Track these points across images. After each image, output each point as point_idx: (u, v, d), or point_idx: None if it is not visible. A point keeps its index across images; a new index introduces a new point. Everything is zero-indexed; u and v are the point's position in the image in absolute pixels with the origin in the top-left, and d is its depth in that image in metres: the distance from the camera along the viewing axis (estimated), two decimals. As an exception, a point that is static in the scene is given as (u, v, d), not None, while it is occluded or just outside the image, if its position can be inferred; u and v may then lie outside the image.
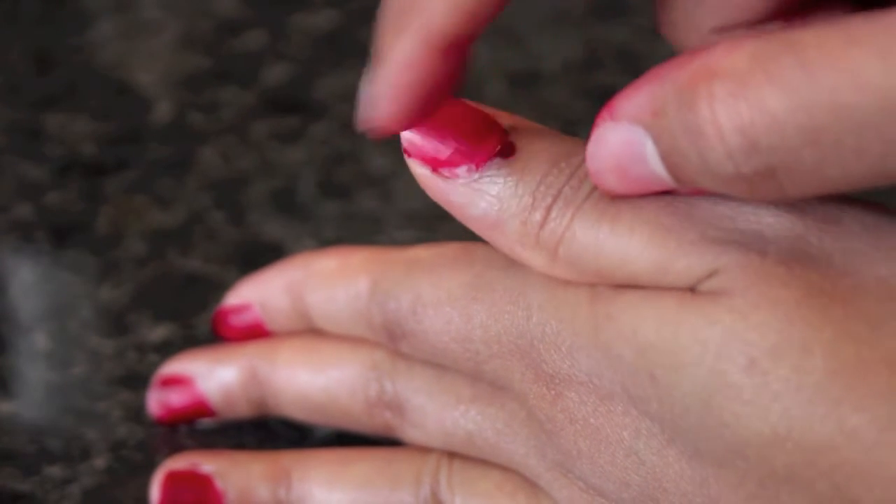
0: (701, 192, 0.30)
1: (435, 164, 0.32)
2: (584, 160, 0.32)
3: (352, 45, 0.57)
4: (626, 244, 0.31)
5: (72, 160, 0.51)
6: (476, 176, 0.32)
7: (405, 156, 0.33)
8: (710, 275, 0.30)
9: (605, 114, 0.30)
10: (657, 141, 0.29)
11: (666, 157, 0.29)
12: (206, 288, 0.46)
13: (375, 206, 0.49)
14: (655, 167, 0.30)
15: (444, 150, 0.32)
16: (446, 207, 0.33)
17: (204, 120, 0.53)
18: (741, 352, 0.29)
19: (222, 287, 0.45)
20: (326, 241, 0.47)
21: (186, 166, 0.51)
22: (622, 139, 0.30)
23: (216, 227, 0.48)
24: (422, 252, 0.37)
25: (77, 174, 0.50)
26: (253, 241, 0.48)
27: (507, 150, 0.32)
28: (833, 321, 0.28)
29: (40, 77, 0.55)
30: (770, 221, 0.30)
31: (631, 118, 0.30)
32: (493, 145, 0.32)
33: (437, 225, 0.48)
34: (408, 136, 0.32)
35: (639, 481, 0.31)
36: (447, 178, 0.32)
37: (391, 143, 0.52)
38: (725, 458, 0.29)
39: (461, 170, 0.32)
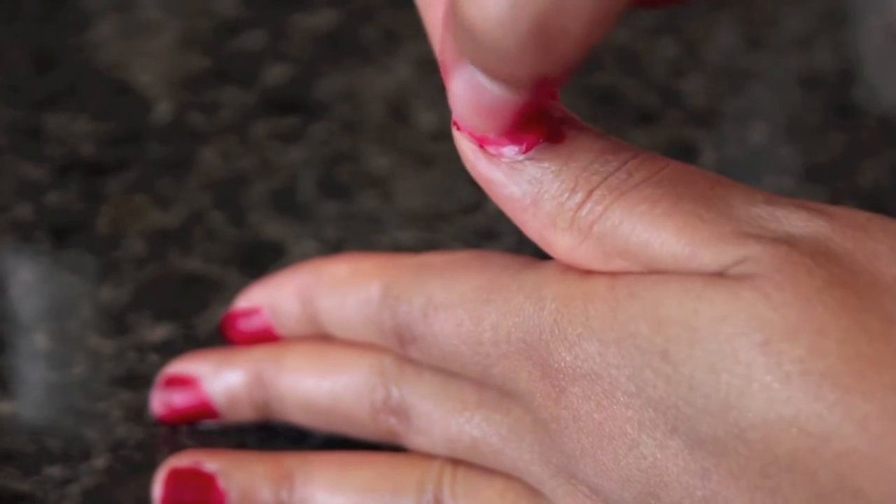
0: (538, 99, 0.31)
1: (482, 142, 0.33)
2: (632, 156, 0.32)
3: (352, 45, 0.57)
4: (659, 228, 0.31)
5: (72, 160, 0.51)
6: (521, 157, 0.33)
7: (453, 128, 0.33)
8: (739, 262, 0.30)
9: (442, 74, 0.31)
10: (469, 56, 0.30)
11: (479, 63, 0.30)
12: (206, 288, 0.46)
13: (375, 206, 0.49)
14: (486, 84, 0.30)
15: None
16: (483, 185, 0.33)
17: (204, 120, 0.53)
18: (757, 329, 0.29)
19: (222, 287, 0.45)
20: (326, 241, 0.47)
21: (186, 166, 0.51)
22: (462, 82, 0.31)
23: (216, 227, 0.48)
24: (435, 258, 0.37)
25: (77, 174, 0.50)
26: (253, 241, 0.48)
27: (556, 137, 0.33)
28: (851, 311, 0.29)
29: (40, 77, 0.55)
30: (800, 224, 0.31)
31: (452, 60, 0.30)
32: (542, 130, 0.33)
33: (437, 225, 0.48)
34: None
35: (640, 477, 0.32)
36: (492, 156, 0.33)
37: (391, 143, 0.52)
38: (728, 444, 0.30)
39: (508, 150, 0.33)
